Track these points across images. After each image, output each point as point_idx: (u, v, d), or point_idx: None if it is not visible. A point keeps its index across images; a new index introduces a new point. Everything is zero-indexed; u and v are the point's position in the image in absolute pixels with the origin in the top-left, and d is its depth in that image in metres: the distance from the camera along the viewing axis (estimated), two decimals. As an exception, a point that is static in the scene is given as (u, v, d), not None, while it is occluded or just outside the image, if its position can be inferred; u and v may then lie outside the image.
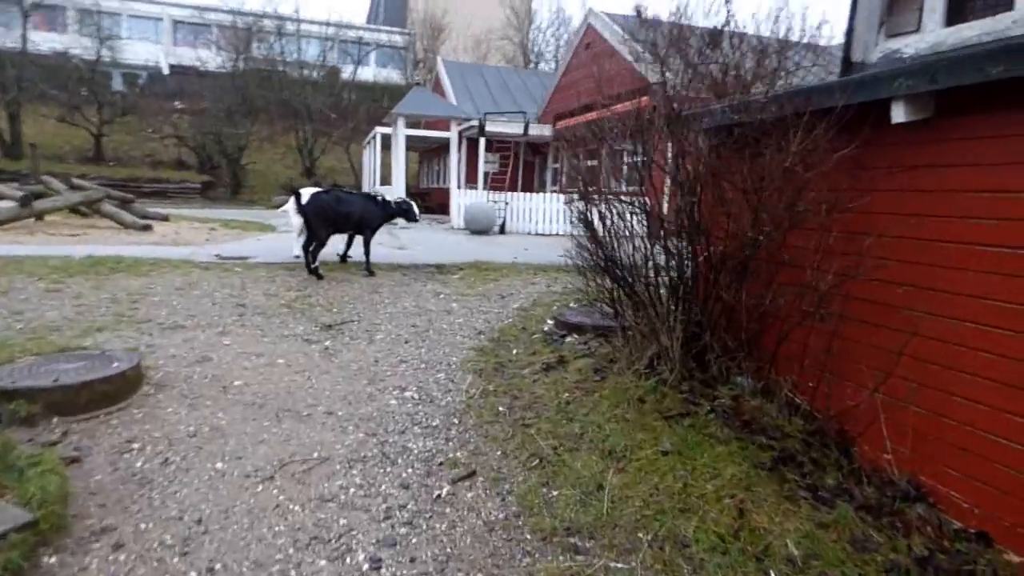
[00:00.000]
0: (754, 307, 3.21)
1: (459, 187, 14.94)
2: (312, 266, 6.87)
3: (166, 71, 35.70)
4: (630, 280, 3.82)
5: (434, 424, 3.37)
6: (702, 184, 3.47)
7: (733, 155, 3.31)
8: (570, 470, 2.73)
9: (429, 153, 27.29)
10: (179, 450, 2.88)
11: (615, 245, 3.86)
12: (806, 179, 2.73)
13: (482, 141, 16.77)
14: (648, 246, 3.75)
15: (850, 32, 3.45)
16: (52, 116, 27.24)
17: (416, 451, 3.05)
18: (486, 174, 17.83)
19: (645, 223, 3.85)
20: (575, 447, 2.95)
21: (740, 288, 3.33)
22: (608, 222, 3.84)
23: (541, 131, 18.58)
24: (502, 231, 13.75)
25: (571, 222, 4.30)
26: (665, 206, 3.95)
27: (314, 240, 6.94)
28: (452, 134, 15.33)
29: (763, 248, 3.02)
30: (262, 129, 31.30)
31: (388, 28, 39.79)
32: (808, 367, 3.01)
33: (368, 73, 35.38)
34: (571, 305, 5.92)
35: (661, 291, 3.78)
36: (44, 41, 28.97)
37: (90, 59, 28.98)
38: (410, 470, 2.86)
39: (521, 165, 21.63)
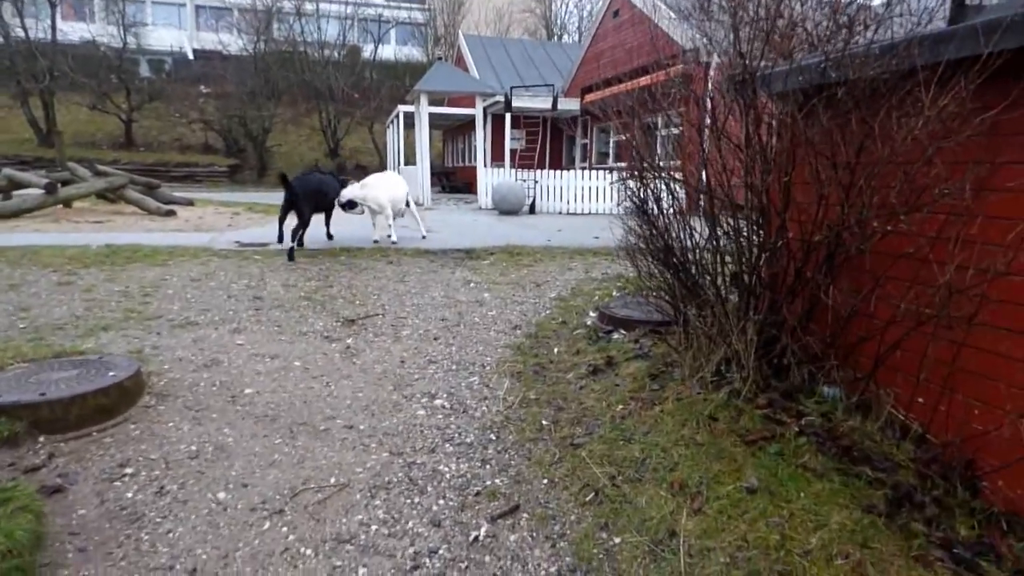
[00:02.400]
0: (853, 307, 2.68)
1: (485, 165, 14.39)
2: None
3: (191, 56, 35.76)
4: (692, 272, 3.31)
5: (468, 441, 2.94)
6: (782, 158, 2.93)
7: (821, 122, 2.75)
8: (633, 508, 2.27)
9: (453, 131, 26.74)
10: (177, 476, 2.50)
11: (673, 231, 3.34)
12: (935, 150, 2.17)
13: (508, 117, 16.15)
14: (713, 233, 3.23)
15: (966, -33, 2.83)
16: (84, 104, 27.48)
17: (448, 476, 2.62)
18: (513, 151, 17.24)
19: (707, 206, 3.32)
20: (637, 477, 2.49)
21: (832, 283, 2.80)
22: (665, 204, 3.32)
23: (569, 105, 17.89)
24: (532, 211, 13.21)
25: (619, 203, 3.79)
26: (729, 184, 3.41)
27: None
28: (477, 110, 14.75)
29: (871, 237, 2.49)
30: (286, 111, 31.14)
31: (407, 4, 39.04)
32: (923, 381, 2.48)
33: (389, 51, 34.88)
34: (614, 294, 5.42)
35: (729, 286, 3.27)
36: (73, 30, 29.21)
37: (117, 47, 29.10)
38: (441, 501, 2.44)
39: (549, 141, 20.98)
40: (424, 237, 8.38)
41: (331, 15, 32.73)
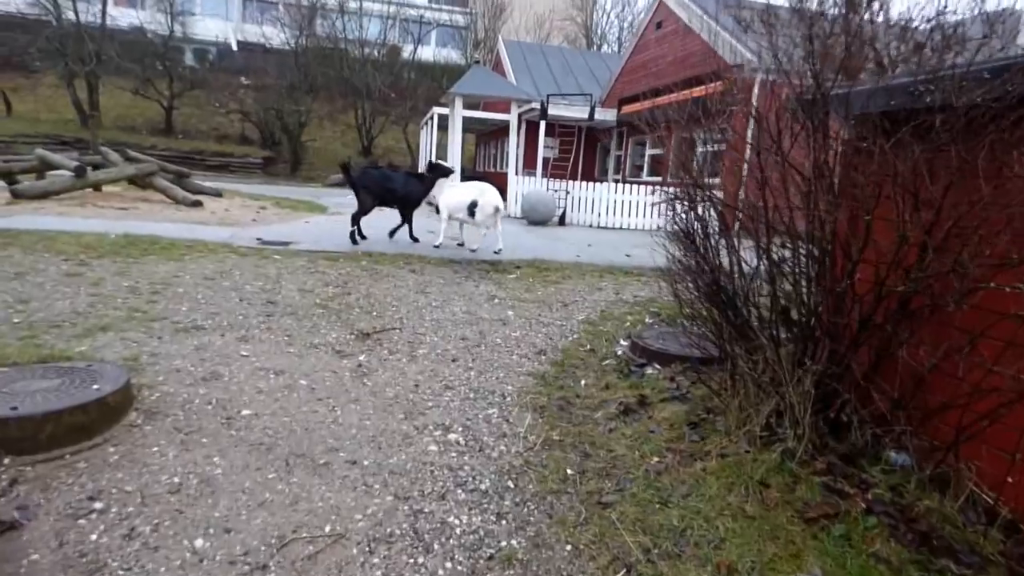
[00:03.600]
0: (935, 366, 2.30)
1: (517, 173, 14.10)
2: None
3: (235, 47, 36.32)
4: (743, 311, 2.94)
5: (483, 488, 2.61)
6: (863, 192, 2.57)
7: (913, 152, 2.38)
8: (673, 598, 1.92)
9: (487, 136, 26.56)
10: (152, 515, 2.21)
11: (724, 264, 2.98)
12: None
13: (542, 125, 15.86)
14: (770, 270, 2.86)
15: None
16: (128, 89, 27.96)
17: (459, 531, 2.30)
18: (546, 160, 16.94)
19: (763, 238, 2.96)
20: (676, 551, 2.13)
21: (911, 337, 2.42)
22: (716, 234, 2.96)
23: (606, 116, 17.52)
24: (561, 222, 12.86)
25: (660, 228, 3.44)
26: (792, 216, 3.04)
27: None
28: (512, 116, 14.47)
29: (972, 291, 2.11)
30: (322, 106, 31.35)
31: (449, 7, 39.12)
32: (1020, 460, 2.09)
33: (428, 53, 34.95)
34: (647, 321, 5.06)
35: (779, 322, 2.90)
36: (123, 17, 29.86)
37: (164, 34, 29.64)
38: (449, 564, 2.12)
39: (583, 151, 20.64)
40: (473, 251, 8.13)
41: (373, 14, 32.91)
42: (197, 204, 10.57)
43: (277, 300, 4.88)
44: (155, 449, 2.59)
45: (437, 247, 8.03)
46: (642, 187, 13.28)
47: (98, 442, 2.54)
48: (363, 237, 7.89)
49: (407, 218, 8.26)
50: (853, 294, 2.63)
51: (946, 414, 2.40)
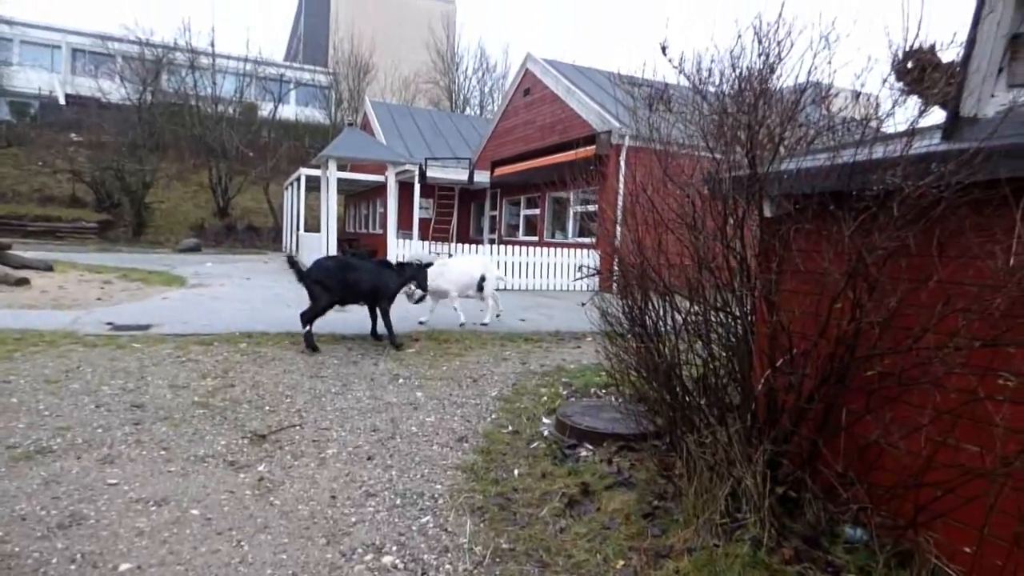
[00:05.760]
0: (894, 444, 2.36)
1: (398, 237, 13.78)
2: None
3: (63, 101, 32.77)
4: (696, 396, 2.90)
5: (440, 627, 2.23)
6: (783, 267, 2.66)
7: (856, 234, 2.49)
8: None
9: (356, 196, 26.02)
10: None
11: (669, 345, 2.94)
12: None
13: (417, 187, 15.80)
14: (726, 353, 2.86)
15: (962, 81, 2.78)
16: (-79, 145, 23.98)
17: None
18: (423, 221, 16.81)
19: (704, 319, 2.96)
20: None
21: (871, 415, 2.48)
22: (665, 317, 2.92)
23: (480, 177, 17.90)
24: (445, 285, 12.66)
25: (600, 310, 3.35)
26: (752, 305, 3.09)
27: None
28: (389, 178, 14.21)
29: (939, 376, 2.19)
30: (171, 166, 29.02)
31: (311, 67, 38.60)
32: (989, 535, 2.16)
33: (289, 111, 33.97)
34: (563, 393, 4.94)
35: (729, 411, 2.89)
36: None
37: (-32, 85, 26.05)
38: None
39: (457, 212, 20.87)
40: (485, 324, 7.83)
41: (228, 71, 31.43)
42: (23, 282, 8.98)
43: (144, 402, 4.11)
44: (-1, 648, 1.92)
45: (463, 325, 7.65)
46: (523, 248, 13.52)
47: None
48: (313, 347, 6.01)
49: (383, 315, 6.56)
50: (803, 370, 2.68)
51: (909, 493, 2.46)
